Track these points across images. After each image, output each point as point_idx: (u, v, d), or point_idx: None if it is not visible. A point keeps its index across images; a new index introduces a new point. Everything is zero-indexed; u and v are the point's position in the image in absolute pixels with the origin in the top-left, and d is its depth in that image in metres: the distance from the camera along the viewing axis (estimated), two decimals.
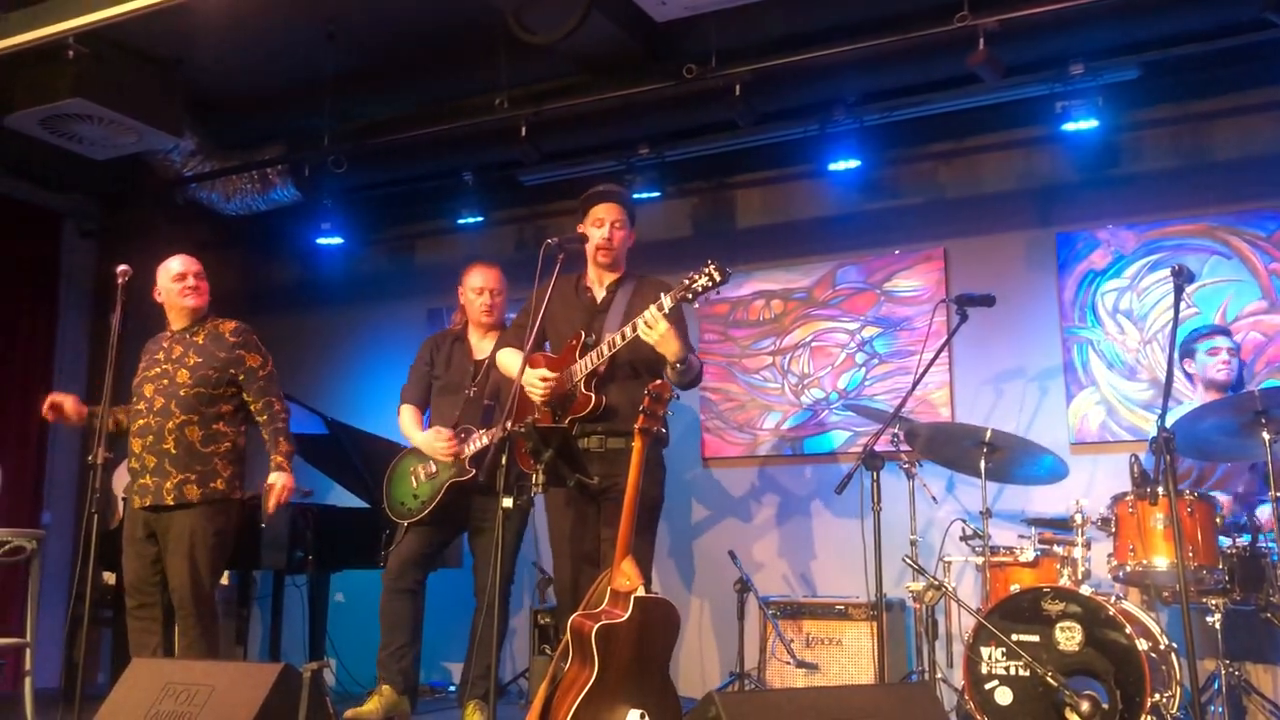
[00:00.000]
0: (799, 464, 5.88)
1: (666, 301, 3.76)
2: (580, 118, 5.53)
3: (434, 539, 4.79)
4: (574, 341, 4.04)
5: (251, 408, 4.50)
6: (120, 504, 5.18)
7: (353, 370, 6.99)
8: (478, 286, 4.89)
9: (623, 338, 3.88)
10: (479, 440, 4.62)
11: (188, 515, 4.32)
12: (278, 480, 4.40)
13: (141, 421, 4.43)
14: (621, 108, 5.42)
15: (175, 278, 4.52)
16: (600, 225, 4.13)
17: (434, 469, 4.73)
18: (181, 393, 4.40)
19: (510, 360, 4.18)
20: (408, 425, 4.89)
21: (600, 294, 4.18)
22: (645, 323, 3.77)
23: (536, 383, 3.96)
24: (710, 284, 3.70)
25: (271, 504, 4.39)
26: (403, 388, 4.99)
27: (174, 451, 4.35)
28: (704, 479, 6.10)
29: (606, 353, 3.90)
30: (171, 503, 4.31)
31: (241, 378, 4.49)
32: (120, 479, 5.34)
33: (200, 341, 4.51)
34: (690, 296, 3.73)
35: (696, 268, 3.73)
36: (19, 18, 4.58)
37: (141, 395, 4.48)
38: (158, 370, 4.50)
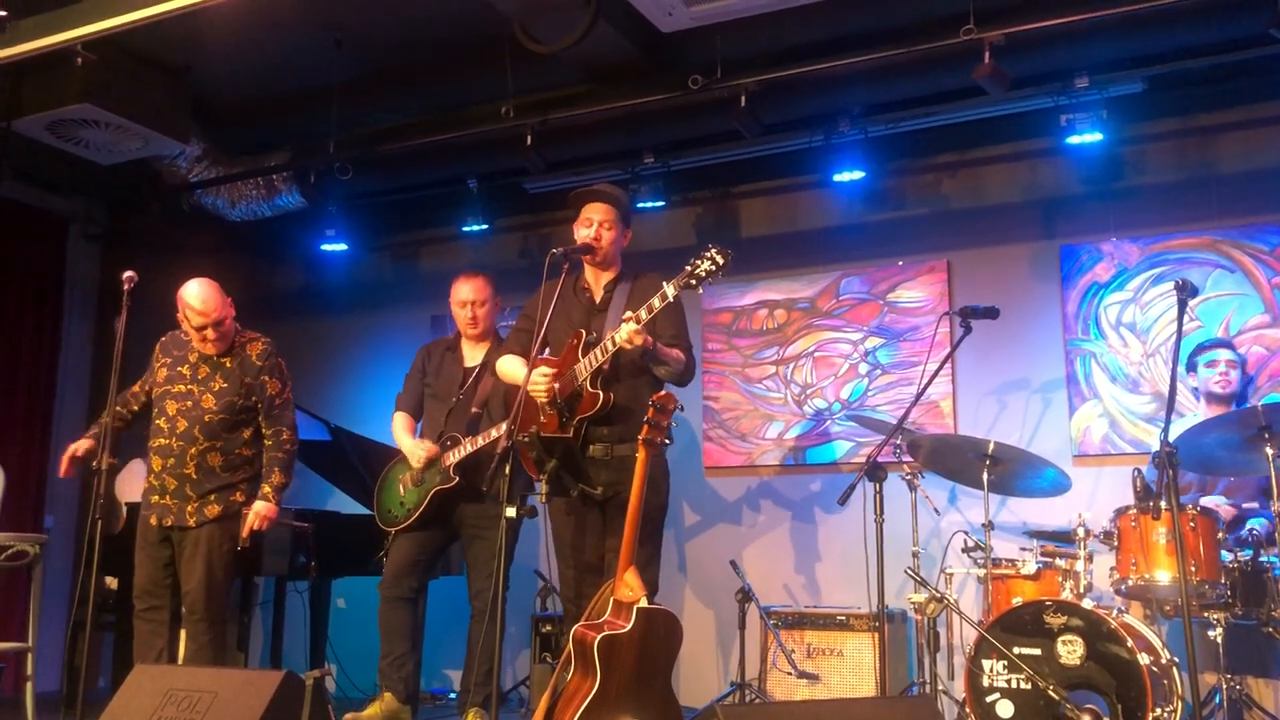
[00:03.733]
0: (801, 474, 5.88)
1: (669, 290, 3.71)
2: (586, 126, 5.54)
3: (426, 546, 4.78)
4: (574, 341, 4.02)
5: (262, 430, 4.53)
6: (124, 509, 5.18)
7: (356, 377, 6.99)
8: (460, 300, 4.88)
9: (613, 343, 3.83)
10: (464, 448, 4.62)
11: (207, 525, 4.38)
12: (261, 508, 4.42)
13: (163, 441, 4.44)
14: (627, 117, 5.43)
15: (195, 328, 4.43)
16: (589, 225, 4.13)
17: (420, 477, 4.73)
18: (206, 419, 4.42)
19: (512, 367, 4.18)
20: (398, 431, 4.91)
21: (599, 293, 4.18)
22: (627, 337, 3.71)
23: (538, 379, 3.94)
24: (713, 268, 3.63)
25: (246, 530, 4.42)
26: (398, 395, 5.02)
27: (195, 477, 4.40)
28: (706, 488, 6.10)
29: (610, 348, 3.85)
30: (194, 524, 4.37)
31: (260, 404, 4.51)
32: (125, 483, 5.35)
33: (228, 365, 4.50)
34: (694, 283, 3.67)
35: (698, 253, 3.67)
36: (28, 25, 4.59)
37: (163, 411, 4.47)
38: (182, 388, 4.48)
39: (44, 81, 5.22)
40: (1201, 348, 4.73)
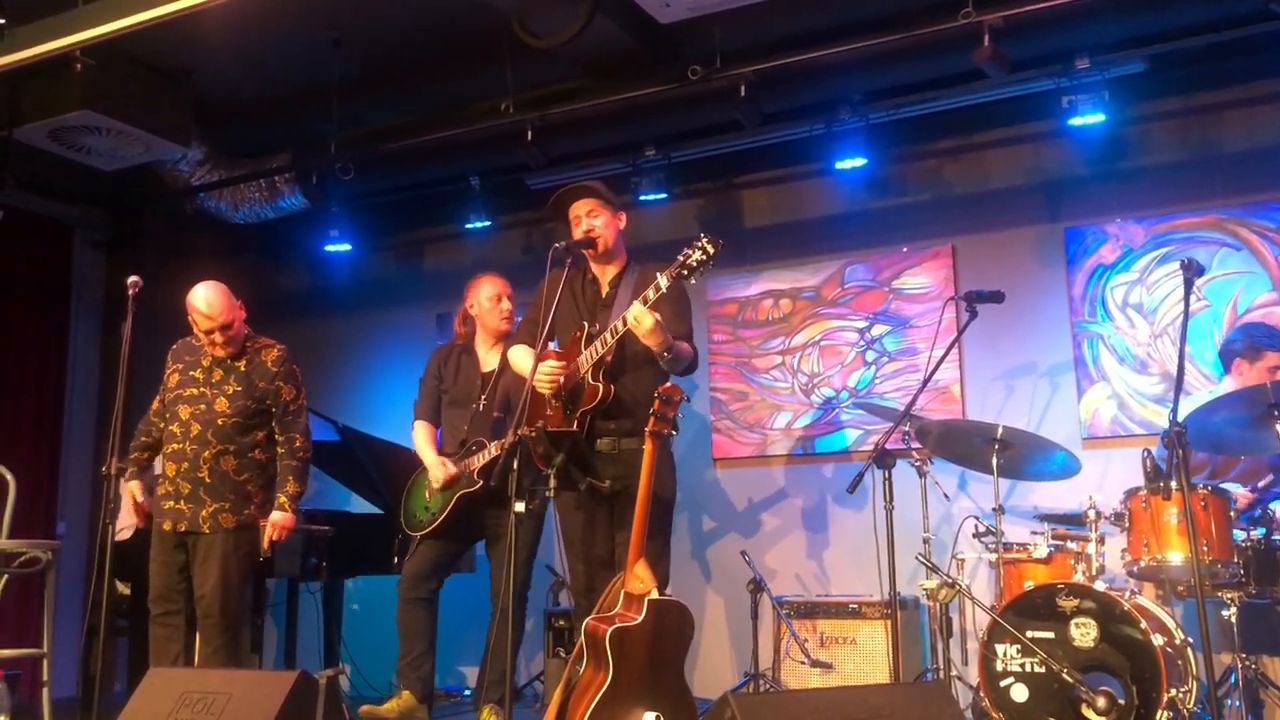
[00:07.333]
0: (810, 463, 5.88)
1: (663, 281, 3.70)
2: (586, 121, 5.53)
3: (447, 550, 4.80)
4: (577, 334, 4.02)
5: (275, 436, 4.52)
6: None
7: (363, 376, 7.00)
8: (493, 294, 4.88)
9: (621, 324, 3.83)
10: (489, 452, 4.62)
11: (222, 532, 4.38)
12: (278, 519, 4.43)
13: (176, 446, 4.43)
14: (627, 110, 5.42)
15: (203, 331, 4.42)
16: (578, 222, 4.12)
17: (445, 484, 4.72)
18: (219, 422, 4.41)
19: (522, 358, 4.17)
20: (420, 444, 4.88)
21: (605, 288, 4.17)
22: (634, 316, 3.73)
23: (544, 373, 3.93)
24: (704, 257, 3.62)
25: (266, 541, 4.43)
26: (414, 402, 4.98)
27: (208, 480, 4.38)
28: (715, 480, 6.10)
29: (610, 340, 3.85)
30: (208, 530, 4.37)
31: (274, 409, 4.50)
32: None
33: (242, 369, 4.48)
34: (685, 273, 3.67)
35: (689, 243, 3.66)
36: (26, 32, 4.58)
37: (176, 416, 4.46)
38: (195, 391, 4.47)
39: (44, 89, 5.23)
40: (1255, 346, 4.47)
